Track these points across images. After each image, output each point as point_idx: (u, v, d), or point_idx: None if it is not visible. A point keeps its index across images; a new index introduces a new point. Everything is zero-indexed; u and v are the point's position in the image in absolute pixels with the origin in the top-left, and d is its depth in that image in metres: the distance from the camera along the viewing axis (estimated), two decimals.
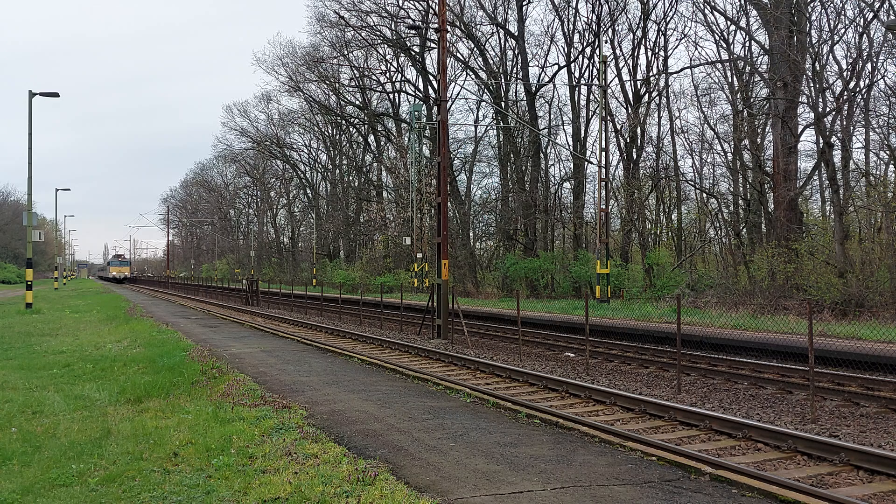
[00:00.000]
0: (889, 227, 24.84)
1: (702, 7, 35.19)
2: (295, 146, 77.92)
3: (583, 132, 43.65)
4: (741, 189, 36.17)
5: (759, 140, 34.08)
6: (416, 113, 48.23)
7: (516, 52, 45.60)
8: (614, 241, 41.12)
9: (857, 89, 28.80)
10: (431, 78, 50.13)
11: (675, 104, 45.92)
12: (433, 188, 44.16)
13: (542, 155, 46.36)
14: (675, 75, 44.01)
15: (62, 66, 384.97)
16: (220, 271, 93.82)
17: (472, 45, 47.08)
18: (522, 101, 47.08)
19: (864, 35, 28.53)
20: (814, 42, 29.90)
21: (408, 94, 56.68)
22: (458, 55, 48.55)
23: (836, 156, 28.63)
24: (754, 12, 32.63)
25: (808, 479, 7.06)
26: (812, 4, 29.99)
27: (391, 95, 58.76)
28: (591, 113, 43.39)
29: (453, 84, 50.72)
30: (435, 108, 46.82)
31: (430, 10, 46.55)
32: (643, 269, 36.65)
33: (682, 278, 34.54)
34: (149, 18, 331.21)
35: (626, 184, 39.79)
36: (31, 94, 33.13)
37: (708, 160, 42.11)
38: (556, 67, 45.80)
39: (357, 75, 57.35)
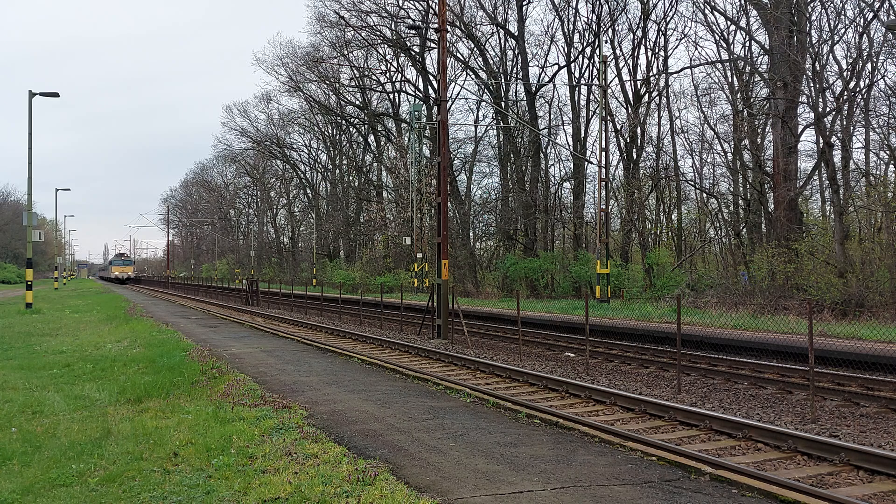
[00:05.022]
0: (889, 227, 24.85)
1: (702, 7, 35.24)
2: (295, 146, 78.03)
3: (583, 132, 43.69)
4: (741, 189, 36.18)
5: (759, 140, 34.10)
6: (416, 113, 48.23)
7: (516, 52, 45.62)
8: (614, 241, 41.12)
9: (857, 89, 28.81)
10: (431, 78, 50.13)
11: (675, 104, 45.94)
12: (433, 188, 44.16)
13: (542, 155, 46.36)
14: (675, 75, 44.11)
15: (62, 66, 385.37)
16: (220, 271, 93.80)
17: (472, 45, 47.12)
18: (522, 101, 47.09)
19: (864, 35, 28.55)
20: (814, 42, 29.91)
21: (408, 94, 56.73)
22: (458, 55, 48.61)
23: (836, 156, 28.65)
24: (754, 12, 32.64)
25: (808, 479, 7.06)
26: (812, 4, 30.00)
27: (391, 95, 58.82)
28: (591, 113, 43.42)
29: (453, 84, 50.77)
30: (435, 108, 46.81)
31: (430, 10, 46.55)
32: (643, 269, 36.64)
33: (682, 278, 34.53)
34: (149, 19, 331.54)
35: (626, 184, 39.79)
36: (32, 95, 33.12)
37: (708, 160, 42.19)
38: (556, 67, 45.86)
39: (357, 75, 57.38)
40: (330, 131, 70.59)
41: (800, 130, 30.16)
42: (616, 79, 40.56)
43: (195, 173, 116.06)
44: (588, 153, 43.42)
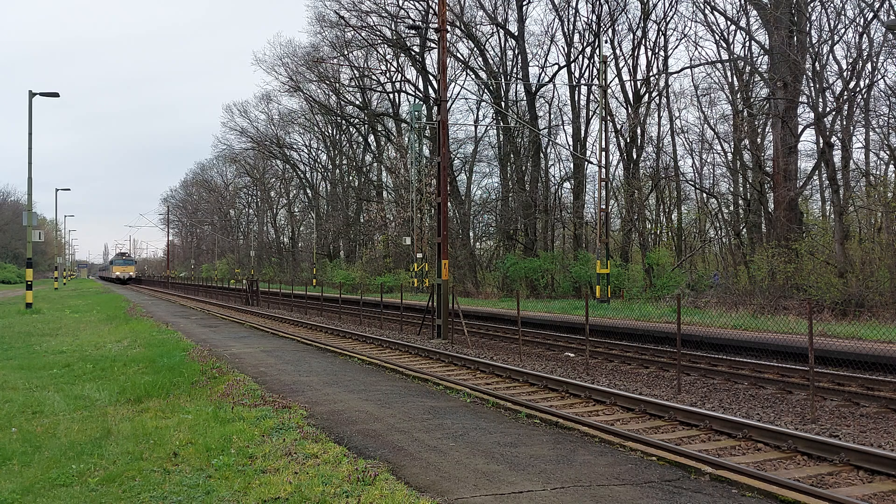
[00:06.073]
0: (889, 227, 24.85)
1: (702, 7, 35.25)
2: (295, 146, 78.03)
3: (583, 132, 43.69)
4: (741, 189, 36.18)
5: (759, 140, 34.10)
6: (416, 113, 48.23)
7: (516, 52, 45.62)
8: (614, 241, 41.12)
9: (857, 89, 28.82)
10: (431, 78, 50.13)
11: (675, 104, 45.97)
12: (433, 188, 44.16)
13: (542, 155, 46.36)
14: (675, 75, 44.12)
15: (62, 66, 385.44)
16: (220, 271, 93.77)
17: (472, 45, 47.12)
18: (522, 101, 47.10)
19: (864, 35, 28.56)
20: (814, 42, 29.91)
21: (408, 94, 56.74)
22: (458, 55, 48.62)
23: (836, 156, 28.66)
24: (754, 12, 32.65)
25: (808, 479, 7.06)
26: (812, 4, 30.00)
27: (391, 95, 58.83)
28: (591, 113, 43.42)
29: (453, 84, 50.77)
30: (435, 108, 46.80)
31: (430, 10, 46.56)
32: (643, 269, 36.64)
33: (682, 278, 34.54)
34: (149, 19, 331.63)
35: (626, 184, 39.79)
36: (31, 95, 33.12)
37: (708, 160, 42.22)
38: (556, 67, 45.86)
39: (357, 75, 57.39)
40: (330, 131, 70.62)
41: (800, 130, 30.17)
42: (616, 79, 40.64)
43: (195, 173, 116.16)
44: (588, 153, 43.46)
